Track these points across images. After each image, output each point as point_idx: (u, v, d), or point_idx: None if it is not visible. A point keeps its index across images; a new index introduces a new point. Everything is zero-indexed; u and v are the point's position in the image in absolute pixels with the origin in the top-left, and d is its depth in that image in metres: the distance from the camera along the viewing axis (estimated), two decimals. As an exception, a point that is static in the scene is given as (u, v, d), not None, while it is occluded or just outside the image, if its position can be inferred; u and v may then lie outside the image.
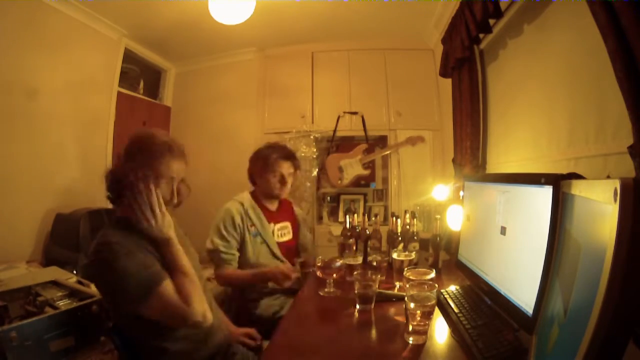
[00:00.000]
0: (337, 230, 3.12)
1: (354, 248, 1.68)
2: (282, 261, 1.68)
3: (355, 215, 1.81)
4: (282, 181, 1.69)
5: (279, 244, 1.71)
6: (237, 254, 1.63)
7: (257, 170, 1.72)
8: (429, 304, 0.94)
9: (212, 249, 1.59)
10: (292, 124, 3.24)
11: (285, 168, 1.70)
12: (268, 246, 1.67)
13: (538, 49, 1.61)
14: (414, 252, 1.54)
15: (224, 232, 1.60)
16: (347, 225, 1.77)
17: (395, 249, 1.50)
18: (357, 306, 1.18)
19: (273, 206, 1.78)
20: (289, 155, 1.72)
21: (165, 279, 0.95)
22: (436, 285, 1.01)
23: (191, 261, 1.08)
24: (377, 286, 1.20)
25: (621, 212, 0.47)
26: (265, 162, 1.67)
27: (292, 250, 1.81)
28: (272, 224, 1.72)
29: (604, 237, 0.50)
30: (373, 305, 1.19)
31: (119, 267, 0.90)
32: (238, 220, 1.63)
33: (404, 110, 3.20)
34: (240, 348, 1.25)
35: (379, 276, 1.27)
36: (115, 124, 3.02)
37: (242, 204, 1.67)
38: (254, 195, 1.75)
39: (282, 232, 1.76)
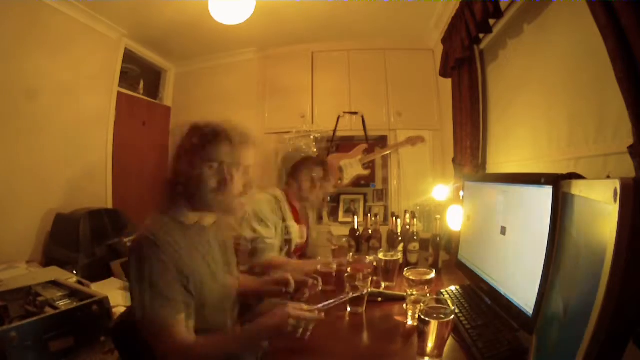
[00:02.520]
0: (337, 230, 3.11)
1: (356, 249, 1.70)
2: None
3: (356, 216, 1.83)
4: (318, 189, 1.79)
5: (297, 245, 1.78)
6: (278, 243, 1.66)
7: (297, 174, 1.78)
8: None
9: (253, 238, 1.60)
10: (292, 124, 3.23)
11: (321, 178, 1.80)
12: (290, 244, 1.73)
13: (538, 49, 1.61)
14: (399, 253, 1.47)
15: (264, 219, 1.63)
16: (356, 226, 1.81)
17: (381, 250, 1.48)
18: (348, 308, 1.17)
19: (298, 207, 1.84)
20: (324, 164, 1.84)
21: (179, 315, 0.90)
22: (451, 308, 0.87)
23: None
24: (368, 287, 1.18)
25: (621, 212, 0.47)
26: (307, 170, 1.77)
27: (303, 251, 1.87)
28: (296, 224, 1.78)
29: (604, 237, 0.50)
30: (364, 307, 1.17)
31: (145, 276, 0.88)
32: (275, 209, 1.69)
33: (404, 110, 3.20)
34: None
35: (371, 277, 1.25)
36: (115, 124, 3.02)
37: (276, 197, 1.73)
38: (285, 193, 1.80)
39: (301, 233, 1.82)
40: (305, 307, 0.94)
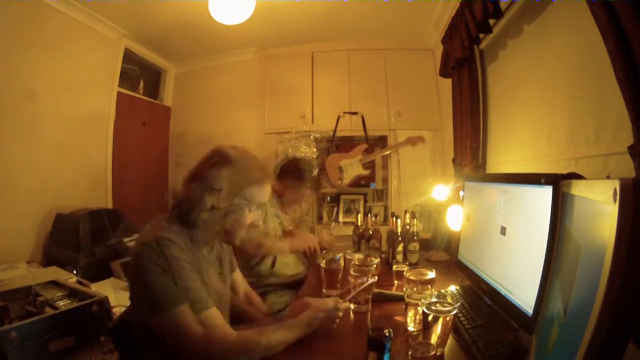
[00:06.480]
0: (337, 230, 3.11)
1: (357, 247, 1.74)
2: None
3: (360, 215, 1.87)
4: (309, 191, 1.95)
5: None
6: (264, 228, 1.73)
7: (289, 181, 1.89)
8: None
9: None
10: (292, 124, 3.24)
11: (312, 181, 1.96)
12: (282, 229, 1.83)
13: (538, 49, 1.61)
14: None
15: None
16: (359, 224, 1.85)
17: (395, 261, 1.57)
18: (352, 306, 1.16)
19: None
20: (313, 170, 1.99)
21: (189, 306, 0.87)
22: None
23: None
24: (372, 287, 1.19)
25: (621, 212, 0.47)
26: (300, 175, 1.88)
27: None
28: (285, 215, 1.89)
29: (604, 237, 0.50)
30: (370, 306, 1.17)
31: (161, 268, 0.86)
32: None
33: (404, 110, 3.20)
34: None
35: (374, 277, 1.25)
36: (115, 124, 3.02)
37: None
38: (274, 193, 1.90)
39: (289, 222, 1.91)
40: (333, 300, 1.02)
